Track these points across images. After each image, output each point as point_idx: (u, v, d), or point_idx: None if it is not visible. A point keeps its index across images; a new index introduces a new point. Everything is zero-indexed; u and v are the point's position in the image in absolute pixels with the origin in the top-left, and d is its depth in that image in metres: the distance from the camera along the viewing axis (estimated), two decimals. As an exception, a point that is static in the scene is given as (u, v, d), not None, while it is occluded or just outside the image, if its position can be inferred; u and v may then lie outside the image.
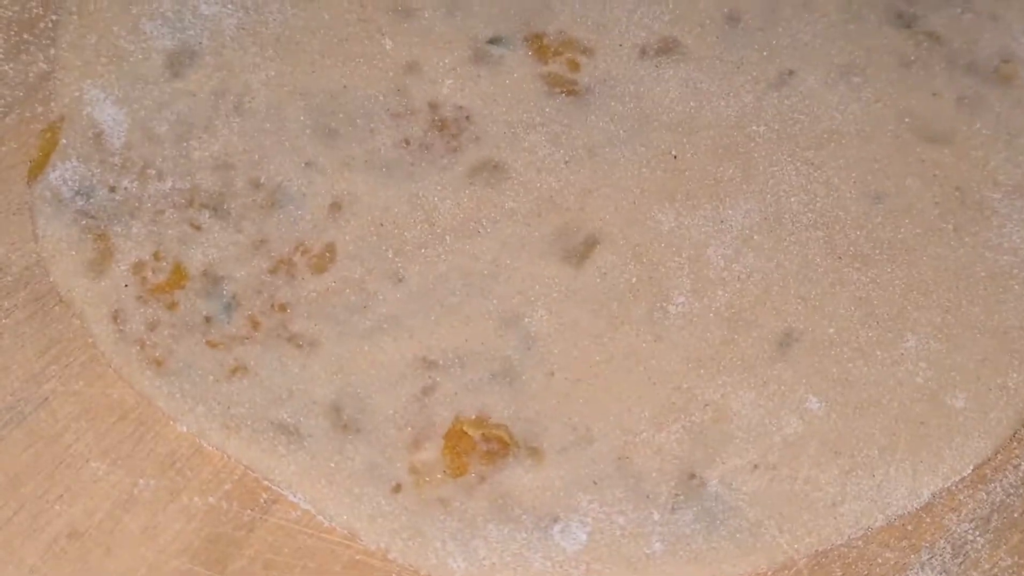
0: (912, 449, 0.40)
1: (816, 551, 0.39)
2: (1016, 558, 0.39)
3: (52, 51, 0.47)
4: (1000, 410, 0.41)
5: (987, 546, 0.39)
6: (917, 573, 0.39)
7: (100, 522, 0.40)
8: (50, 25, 0.48)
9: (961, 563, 0.39)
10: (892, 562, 0.39)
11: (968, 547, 0.39)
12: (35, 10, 0.49)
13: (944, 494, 0.40)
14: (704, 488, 0.39)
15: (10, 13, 0.48)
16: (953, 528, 0.39)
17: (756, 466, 0.40)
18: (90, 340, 0.43)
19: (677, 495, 0.39)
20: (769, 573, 0.39)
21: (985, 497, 0.40)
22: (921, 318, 0.42)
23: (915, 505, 0.39)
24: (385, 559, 0.39)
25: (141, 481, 0.41)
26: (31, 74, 0.47)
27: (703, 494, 0.39)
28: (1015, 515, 0.40)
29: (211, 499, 0.41)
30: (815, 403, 0.40)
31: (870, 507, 0.39)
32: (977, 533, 0.39)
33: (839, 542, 0.39)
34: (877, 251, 0.43)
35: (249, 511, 0.40)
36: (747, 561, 0.39)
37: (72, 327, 0.43)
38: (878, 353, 0.41)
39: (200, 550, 0.40)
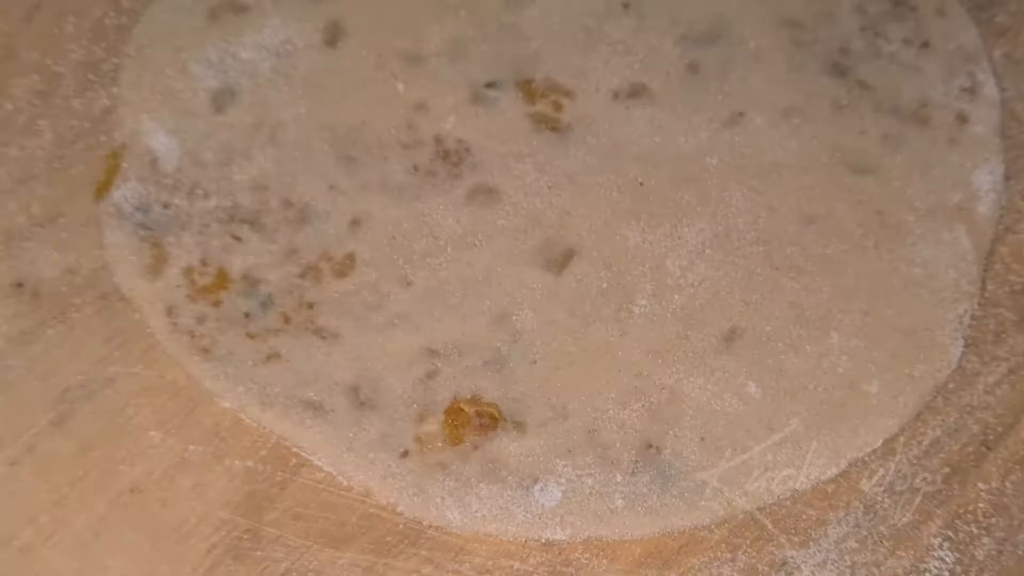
0: (832, 426, 0.46)
1: (751, 508, 0.45)
2: (916, 516, 0.46)
3: (114, 89, 0.53)
4: (907, 395, 0.47)
5: (892, 506, 0.46)
6: (835, 526, 0.45)
7: (157, 480, 0.46)
8: (112, 67, 0.54)
9: (871, 519, 0.45)
10: (814, 517, 0.45)
11: (877, 506, 0.46)
12: (99, 54, 0.54)
13: (858, 463, 0.46)
14: (659, 456, 0.46)
15: (78, 56, 0.54)
16: (866, 491, 0.46)
17: (703, 438, 0.46)
18: (148, 331, 0.48)
19: (636, 461, 0.46)
20: (712, 525, 0.46)
21: (892, 466, 0.46)
22: (844, 319, 0.48)
23: (834, 471, 0.46)
24: (394, 512, 0.45)
25: (191, 447, 0.46)
26: (96, 108, 0.53)
27: (658, 461, 0.46)
28: (915, 481, 0.46)
29: (249, 462, 0.46)
30: (753, 388, 0.47)
31: (796, 472, 0.46)
32: (885, 495, 0.46)
33: (770, 501, 0.45)
34: (809, 264, 0.49)
35: (281, 473, 0.46)
36: (692, 516, 0.45)
37: (132, 320, 0.48)
38: (807, 348, 0.48)
39: (240, 504, 0.45)
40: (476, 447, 0.46)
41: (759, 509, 0.46)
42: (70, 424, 0.47)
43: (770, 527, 0.45)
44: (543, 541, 0.45)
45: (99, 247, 0.50)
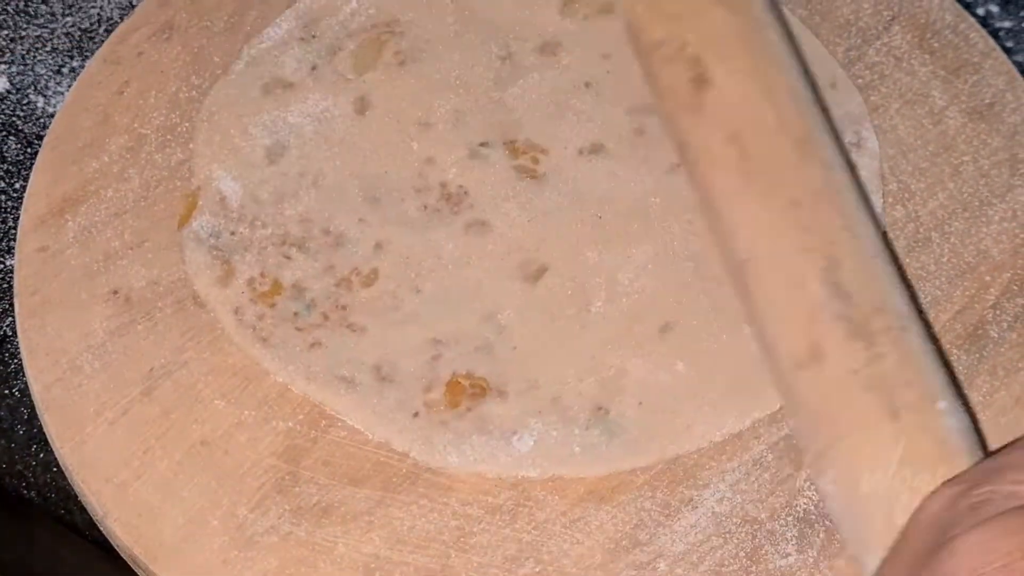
0: (743, 392, 0.59)
1: (674, 456, 0.58)
2: (793, 469, 0.57)
3: (190, 146, 0.67)
4: None
5: (775, 461, 0.58)
6: (731, 473, 0.58)
7: (220, 436, 0.57)
8: (185, 129, 0.67)
9: (758, 469, 0.58)
10: (716, 467, 0.56)
11: (762, 460, 0.57)
12: (175, 120, 0.68)
13: (756, 425, 0.59)
14: (607, 416, 0.59)
15: (158, 122, 0.68)
16: (753, 448, 0.57)
17: (640, 403, 0.59)
18: (215, 326, 0.61)
19: (590, 420, 0.59)
20: (646, 467, 0.59)
21: (776, 431, 0.59)
22: None
23: (741, 427, 0.59)
24: (402, 460, 0.57)
25: (246, 412, 0.57)
26: (173, 160, 0.66)
27: (606, 420, 0.59)
28: (794, 441, 0.58)
29: (290, 423, 0.57)
30: (681, 366, 0.60)
31: (711, 428, 0.59)
32: (770, 453, 0.58)
33: (691, 450, 0.59)
34: (728, 276, 0.66)
35: (314, 431, 0.57)
36: (630, 460, 0.58)
37: (201, 319, 0.60)
38: (724, 337, 0.61)
39: (283, 453, 0.56)
40: (470, 409, 0.58)
41: (677, 458, 0.57)
42: (155, 394, 0.58)
43: (681, 473, 0.57)
44: (519, 477, 0.59)
45: (176, 264, 0.62)
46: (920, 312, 0.58)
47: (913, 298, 0.58)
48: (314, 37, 0.70)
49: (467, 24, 0.70)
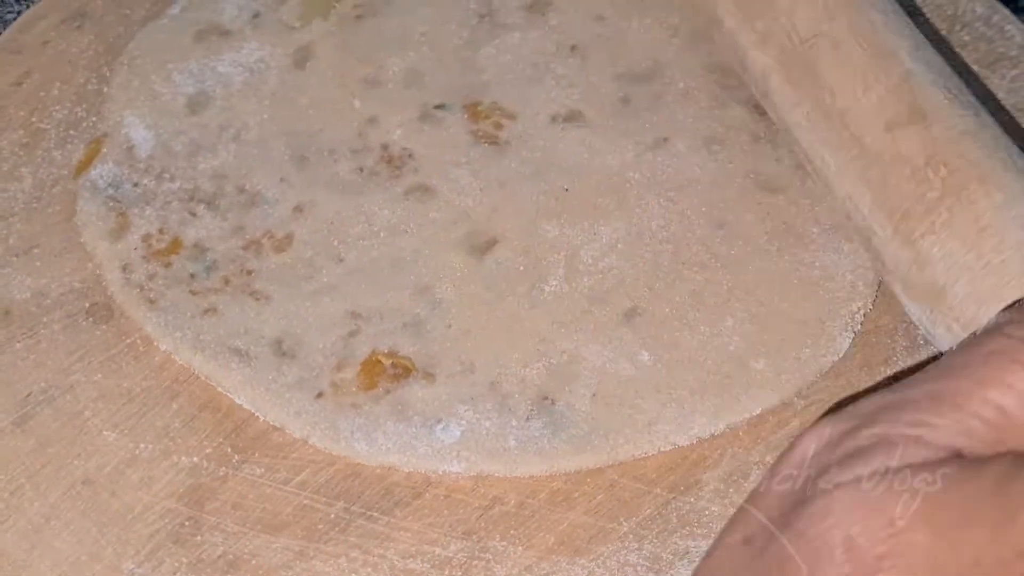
0: (717, 392, 0.53)
1: (632, 457, 0.52)
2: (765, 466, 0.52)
3: (104, 90, 0.64)
4: (790, 373, 0.54)
5: (755, 466, 0.53)
6: (707, 479, 0.52)
7: (108, 474, 0.52)
8: (90, 124, 0.63)
9: (736, 479, 0.52)
10: (718, 512, 0.51)
11: (743, 467, 0.52)
12: (79, 112, 0.63)
13: (731, 429, 0.53)
14: (553, 407, 0.53)
15: (60, 116, 0.63)
16: (733, 451, 0.53)
17: (594, 395, 0.53)
18: (108, 344, 0.56)
19: (531, 410, 0.53)
20: (595, 468, 0.52)
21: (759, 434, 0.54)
22: (740, 307, 0.56)
23: (712, 432, 0.53)
24: (332, 502, 0.51)
25: (142, 444, 0.53)
26: (74, 159, 0.61)
27: (551, 411, 0.53)
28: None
29: (195, 458, 0.52)
30: (646, 356, 0.54)
31: (677, 429, 0.53)
32: (749, 456, 0.53)
33: (652, 452, 0.52)
34: (713, 260, 0.57)
35: (224, 468, 0.52)
36: (577, 459, 0.52)
37: (95, 337, 0.56)
38: (701, 328, 0.55)
39: (184, 494, 0.51)
40: (388, 391, 0.54)
41: (641, 459, 0.53)
42: (30, 424, 0.54)
43: (675, 520, 0.51)
44: (440, 472, 0.52)
45: (70, 274, 0.58)
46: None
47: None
48: (265, -16, 0.65)
49: (448, -22, 0.66)
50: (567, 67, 0.65)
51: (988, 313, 0.47)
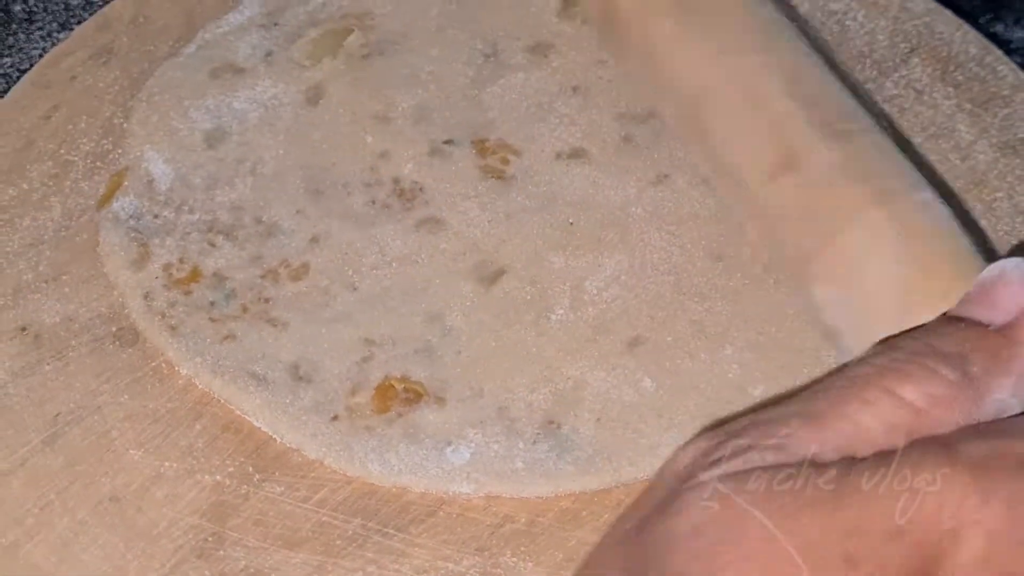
0: (716, 418, 0.56)
1: (635, 479, 0.55)
2: None
3: (125, 126, 0.66)
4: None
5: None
6: None
7: (134, 491, 0.54)
8: (116, 156, 0.65)
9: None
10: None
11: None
12: (106, 145, 0.65)
13: None
14: (558, 430, 0.56)
15: (87, 148, 0.66)
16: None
17: (599, 419, 0.56)
18: (134, 366, 0.58)
19: (538, 433, 0.55)
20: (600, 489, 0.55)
21: None
22: (739, 336, 0.59)
23: None
24: (349, 519, 0.53)
25: (167, 463, 0.55)
26: (101, 189, 0.63)
27: (557, 434, 0.56)
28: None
29: (218, 476, 0.54)
30: (649, 383, 0.57)
31: None
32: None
33: (652, 474, 0.54)
34: (713, 292, 0.60)
35: (245, 486, 0.54)
36: (581, 481, 0.54)
37: (121, 360, 0.58)
38: (702, 355, 0.58)
39: (207, 510, 0.53)
40: (400, 415, 0.56)
41: (643, 480, 0.55)
42: (60, 443, 0.56)
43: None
44: (450, 493, 0.55)
45: (97, 300, 0.60)
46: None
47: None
48: (276, 25, 0.70)
49: (451, 19, 0.69)
50: (569, 106, 0.68)
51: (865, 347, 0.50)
